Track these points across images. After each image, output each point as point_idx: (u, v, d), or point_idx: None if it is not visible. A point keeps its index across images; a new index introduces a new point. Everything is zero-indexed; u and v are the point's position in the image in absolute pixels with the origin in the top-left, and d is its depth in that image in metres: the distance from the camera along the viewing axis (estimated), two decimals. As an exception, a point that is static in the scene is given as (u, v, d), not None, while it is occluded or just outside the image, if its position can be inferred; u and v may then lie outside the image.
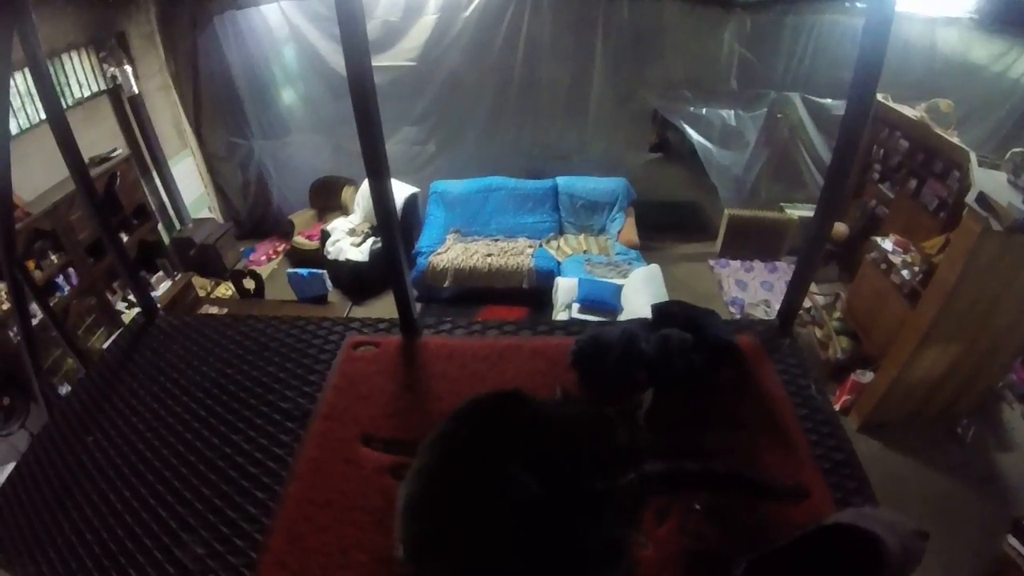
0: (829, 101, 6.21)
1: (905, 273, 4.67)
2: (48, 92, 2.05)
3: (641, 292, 5.19)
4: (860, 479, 1.70)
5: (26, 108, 4.79)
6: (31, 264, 4.74)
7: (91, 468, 1.98)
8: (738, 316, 5.94)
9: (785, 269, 6.75)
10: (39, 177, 4.88)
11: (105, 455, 2.01)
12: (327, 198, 7.29)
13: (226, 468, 1.85)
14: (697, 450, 1.54)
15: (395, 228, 1.99)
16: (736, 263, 6.89)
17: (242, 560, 1.60)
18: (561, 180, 6.79)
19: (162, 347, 2.41)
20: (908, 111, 5.28)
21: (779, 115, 6.46)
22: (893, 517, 1.30)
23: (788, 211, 6.83)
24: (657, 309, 2.22)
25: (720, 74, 6.33)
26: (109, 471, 1.95)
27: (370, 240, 6.52)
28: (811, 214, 6.31)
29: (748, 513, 1.53)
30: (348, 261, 6.37)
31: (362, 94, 1.75)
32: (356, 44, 1.71)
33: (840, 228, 5.96)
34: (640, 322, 2.16)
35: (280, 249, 7.40)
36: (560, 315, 5.43)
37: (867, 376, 4.84)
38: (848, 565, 1.26)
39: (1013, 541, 3.42)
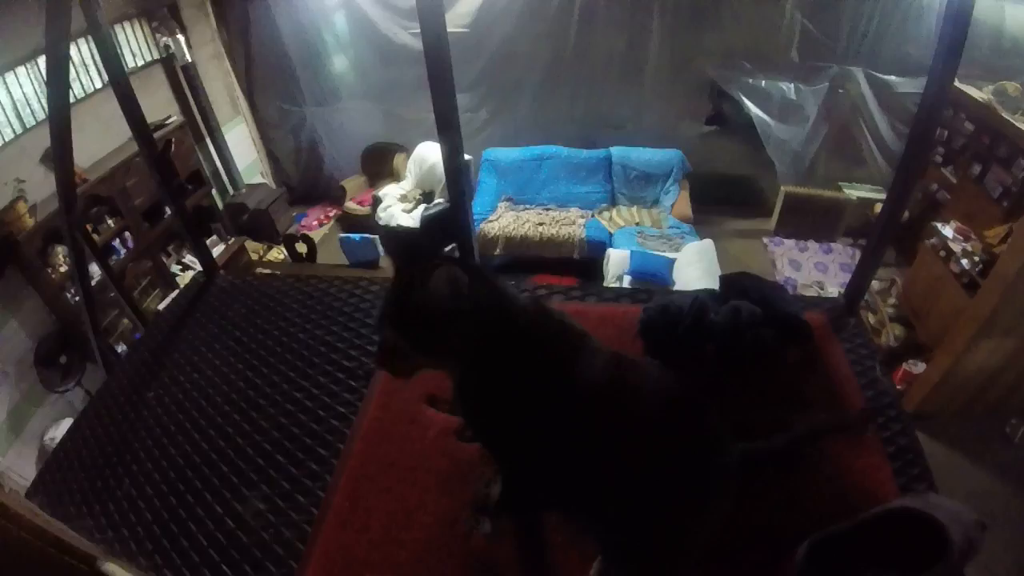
0: (893, 78, 5.93)
1: (965, 262, 4.48)
2: (111, 57, 2.04)
3: (694, 267, 5.07)
4: (923, 465, 1.65)
5: (80, 79, 4.86)
6: (88, 228, 4.82)
7: (152, 422, 1.99)
8: (789, 291, 5.80)
9: (840, 251, 6.54)
10: (95, 144, 4.99)
11: (166, 410, 2.02)
12: (378, 164, 7.27)
13: (289, 425, 1.84)
14: (766, 425, 1.46)
15: (466, 188, 1.94)
16: (790, 242, 6.69)
17: (303, 517, 1.60)
18: (615, 150, 6.65)
19: (223, 305, 2.41)
20: (974, 92, 5.04)
21: (840, 90, 6.22)
22: (956, 506, 1.27)
23: (846, 190, 6.60)
24: (726, 280, 2.14)
25: (780, 45, 6.09)
26: (170, 426, 1.96)
27: (421, 206, 6.49)
28: (870, 194, 6.17)
29: (813, 496, 1.50)
30: (400, 227, 6.36)
31: (437, 50, 1.71)
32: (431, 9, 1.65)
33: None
34: (708, 293, 2.08)
35: (331, 215, 7.44)
36: (611, 287, 5.35)
37: (919, 367, 4.66)
38: (910, 551, 1.23)
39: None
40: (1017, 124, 4.61)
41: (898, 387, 4.64)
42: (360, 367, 1.98)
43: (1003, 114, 4.76)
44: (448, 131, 1.84)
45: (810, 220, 6.60)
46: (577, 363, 1.14)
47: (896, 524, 1.26)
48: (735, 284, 2.09)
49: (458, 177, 1.94)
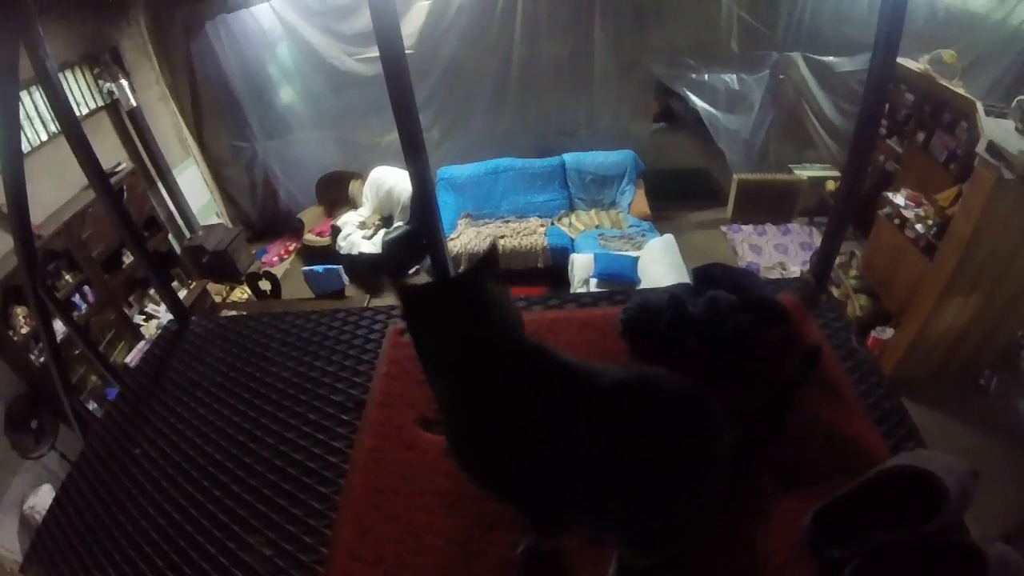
0: (832, 59, 6.11)
1: (919, 227, 4.60)
2: (61, 104, 2.00)
3: (658, 263, 5.15)
4: (909, 425, 1.71)
5: (25, 131, 4.71)
6: (48, 284, 4.70)
7: (142, 479, 1.95)
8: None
9: (797, 230, 6.71)
10: (47, 197, 4.87)
11: (155, 465, 1.98)
12: (334, 193, 7.25)
13: (284, 466, 1.82)
14: (753, 408, 1.50)
15: (435, 212, 1.95)
16: (749, 228, 6.84)
17: (312, 556, 1.58)
18: (568, 156, 6.73)
19: (200, 351, 2.37)
20: (911, 64, 5.19)
21: (782, 76, 6.38)
22: (947, 458, 1.33)
23: (797, 172, 6.77)
24: (698, 272, 2.17)
25: (720, 38, 6.22)
26: (161, 480, 1.92)
27: (381, 232, 6.48)
28: (821, 173, 6.33)
29: (808, 468, 1.54)
30: (361, 254, 6.36)
31: (397, 76, 1.71)
32: (388, 27, 1.65)
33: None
34: (683, 286, 2.12)
35: (292, 248, 7.39)
36: (578, 291, 5.38)
37: (887, 333, 4.81)
38: (910, 506, 1.27)
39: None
40: (955, 90, 4.76)
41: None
42: (348, 399, 1.97)
43: (941, 82, 4.91)
44: (415, 152, 1.84)
45: (765, 204, 6.77)
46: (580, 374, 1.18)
47: (893, 483, 1.30)
48: (708, 275, 2.12)
49: (429, 198, 1.95)
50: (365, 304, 5.58)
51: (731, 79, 6.36)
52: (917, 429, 1.70)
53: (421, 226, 2.24)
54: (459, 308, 1.12)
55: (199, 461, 1.93)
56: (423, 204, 2.02)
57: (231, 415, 2.04)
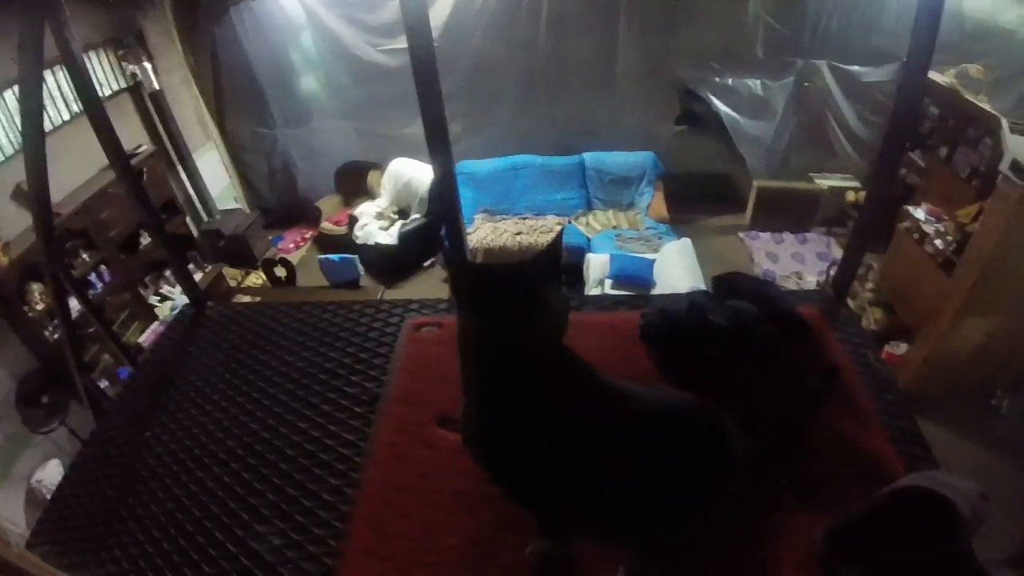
0: (857, 68, 6.01)
1: (939, 242, 4.53)
2: (85, 85, 2.00)
3: (674, 266, 5.13)
4: (924, 445, 1.70)
5: (48, 111, 4.76)
6: (65, 263, 4.74)
7: (153, 463, 1.95)
8: (771, 283, 5.87)
9: (815, 240, 6.63)
10: (67, 177, 4.90)
11: (166, 449, 1.98)
12: (353, 183, 7.24)
13: (297, 456, 1.82)
14: (771, 420, 1.50)
15: (457, 206, 1.93)
16: (766, 235, 6.77)
17: (322, 549, 1.57)
18: (588, 156, 6.69)
19: (216, 337, 2.38)
20: (938, 77, 5.11)
21: (807, 83, 6.31)
22: (959, 481, 1.33)
23: (817, 181, 6.69)
24: (719, 280, 2.15)
25: (746, 43, 6.14)
26: (172, 465, 1.92)
27: (398, 223, 6.48)
28: (841, 183, 6.24)
29: (824, 484, 1.53)
30: (377, 245, 6.34)
31: (425, 69, 1.69)
32: (417, 19, 1.64)
33: (872, 196, 5.82)
34: (703, 294, 2.10)
35: (308, 236, 7.38)
36: (593, 291, 5.37)
37: (901, 348, 4.74)
38: (921, 526, 1.28)
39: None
40: (981, 105, 4.69)
41: (886, 369, 4.69)
42: (364, 392, 1.96)
43: (967, 96, 4.84)
44: (439, 144, 1.83)
45: (784, 212, 6.69)
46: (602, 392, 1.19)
47: (906, 503, 1.31)
48: (729, 283, 2.11)
49: (451, 192, 1.93)
50: (379, 295, 5.60)
51: (755, 84, 6.28)
52: (930, 449, 1.69)
53: (441, 219, 2.21)
54: (513, 299, 1.10)
55: (211, 447, 1.93)
56: (445, 197, 2.01)
57: (245, 402, 2.04)
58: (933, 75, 5.09)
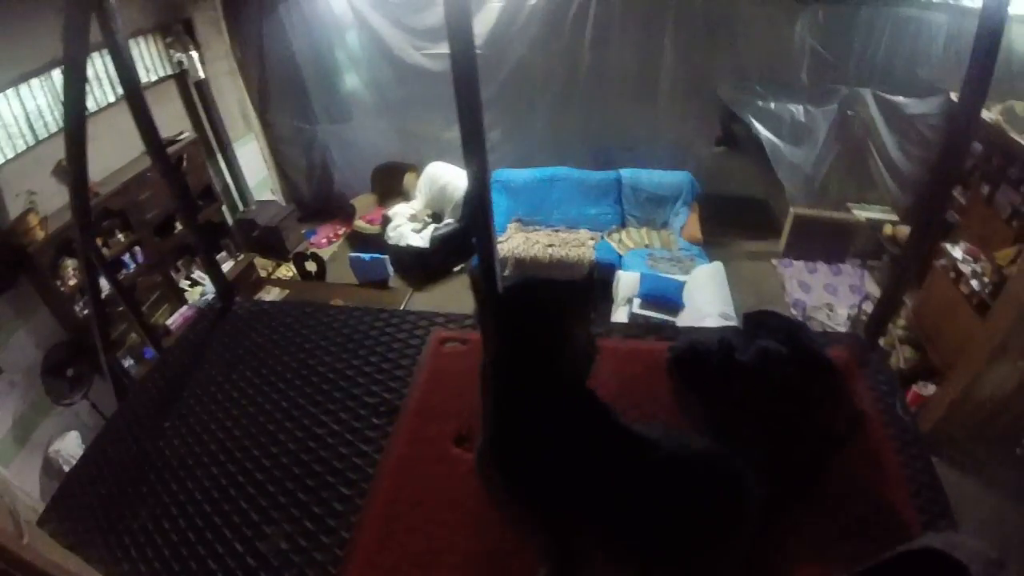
0: (902, 99, 5.89)
1: (975, 283, 4.41)
2: (127, 72, 2.04)
3: (704, 289, 5.05)
4: (944, 503, 1.65)
5: (94, 92, 4.86)
6: (99, 241, 4.82)
7: (168, 453, 1.97)
8: (800, 319, 5.76)
9: (849, 272, 6.50)
10: (109, 157, 4.97)
11: (183, 441, 1.99)
12: (389, 183, 7.27)
13: (310, 461, 1.82)
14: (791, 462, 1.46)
15: (489, 214, 1.91)
16: (800, 263, 6.65)
17: (327, 556, 1.57)
18: (625, 172, 6.63)
19: (240, 334, 2.39)
20: (983, 113, 4.99)
21: (850, 112, 6.20)
22: (976, 544, 1.25)
23: (855, 212, 6.55)
24: (750, 318, 2.11)
25: (791, 67, 6.07)
26: (187, 457, 1.93)
27: (431, 227, 6.49)
28: (880, 215, 6.10)
29: (839, 534, 1.50)
30: (409, 246, 6.36)
31: (466, 78, 1.69)
32: (461, 27, 1.64)
33: (906, 231, 5.71)
34: (734, 330, 2.07)
35: (341, 232, 7.43)
36: (620, 309, 5.31)
37: (929, 389, 4.59)
38: None
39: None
40: (1026, 144, 4.56)
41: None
42: (382, 402, 1.96)
43: (1012, 134, 4.71)
44: (474, 152, 1.81)
45: (819, 241, 6.56)
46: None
47: (918, 563, 1.25)
48: (759, 322, 2.07)
49: (484, 200, 1.92)
50: (407, 297, 5.62)
51: (797, 110, 6.18)
52: (950, 507, 1.64)
53: (472, 226, 2.20)
54: (539, 334, 1.11)
55: (226, 443, 1.94)
56: (478, 205, 2.00)
57: (263, 402, 2.05)
58: (979, 110, 4.98)
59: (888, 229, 6.19)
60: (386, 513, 1.59)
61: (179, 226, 5.53)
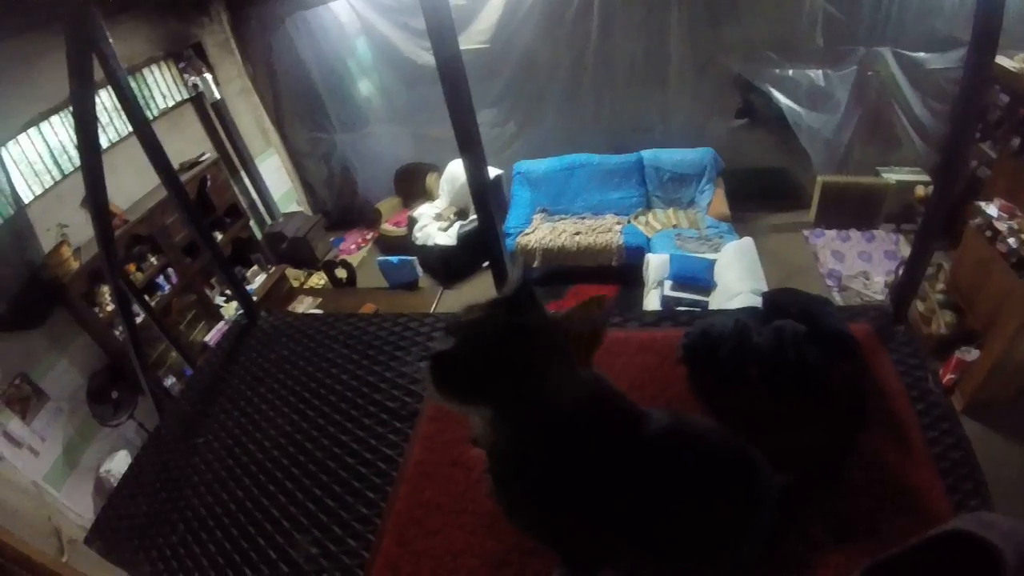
0: (922, 54, 5.75)
1: (1011, 241, 4.27)
2: (132, 107, 2.08)
3: (735, 266, 4.97)
4: (977, 480, 1.55)
5: (114, 123, 5.01)
6: (132, 267, 4.98)
7: (203, 468, 2.02)
8: (835, 289, 5.67)
9: (883, 238, 6.36)
10: (132, 186, 5.13)
11: (216, 455, 2.05)
12: (411, 185, 7.37)
13: (337, 469, 1.85)
14: (812, 448, 1.43)
15: (494, 205, 1.92)
16: (831, 233, 6.53)
17: (356, 561, 1.60)
18: (646, 153, 6.58)
19: (266, 348, 2.44)
20: (1006, 62, 4.86)
21: (870, 72, 6.07)
22: (1011, 523, 1.18)
23: (884, 175, 6.41)
24: (768, 298, 2.07)
25: (803, 31, 5.97)
26: (221, 471, 1.99)
27: (457, 224, 6.56)
28: (909, 177, 5.96)
29: (866, 520, 1.45)
30: (436, 246, 6.43)
31: (451, 69, 1.71)
32: (441, 19, 1.69)
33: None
34: (751, 312, 2.02)
35: (369, 237, 7.56)
36: (652, 292, 5.30)
37: (972, 354, 4.47)
38: (963, 571, 1.17)
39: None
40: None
41: (952, 376, 4.47)
42: (403, 407, 1.98)
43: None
44: (470, 149, 1.83)
45: (850, 209, 6.44)
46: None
47: (949, 545, 1.19)
48: (778, 301, 2.02)
49: (485, 195, 1.93)
50: (437, 296, 5.68)
51: (815, 74, 6.06)
52: (986, 484, 1.55)
53: (480, 223, 2.21)
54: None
55: (257, 455, 1.99)
56: (478, 202, 2.02)
57: (291, 413, 2.10)
58: (1001, 60, 4.84)
59: (920, 191, 6.04)
60: (405, 518, 1.61)
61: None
